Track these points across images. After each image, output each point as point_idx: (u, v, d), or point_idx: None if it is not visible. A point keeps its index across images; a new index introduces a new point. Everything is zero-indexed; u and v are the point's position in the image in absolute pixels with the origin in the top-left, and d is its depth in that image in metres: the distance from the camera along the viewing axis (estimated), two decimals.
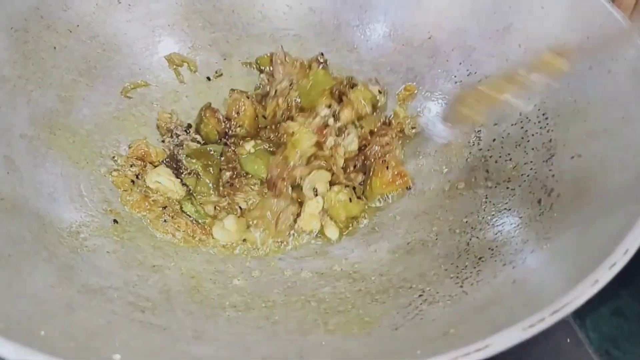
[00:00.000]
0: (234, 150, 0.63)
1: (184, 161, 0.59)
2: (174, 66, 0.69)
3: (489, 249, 0.48)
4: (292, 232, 0.57)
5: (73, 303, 0.41)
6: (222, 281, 0.51)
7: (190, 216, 0.56)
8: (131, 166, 0.59)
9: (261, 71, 0.70)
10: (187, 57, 0.69)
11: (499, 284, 0.42)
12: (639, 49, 0.49)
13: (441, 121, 0.62)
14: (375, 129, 0.64)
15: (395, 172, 0.59)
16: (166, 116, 0.65)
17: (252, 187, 0.60)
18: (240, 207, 0.58)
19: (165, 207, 0.57)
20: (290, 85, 0.64)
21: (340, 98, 0.64)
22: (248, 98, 0.65)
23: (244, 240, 0.56)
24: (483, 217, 0.52)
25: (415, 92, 0.67)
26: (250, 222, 0.57)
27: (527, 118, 0.56)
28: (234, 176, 0.60)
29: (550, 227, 0.45)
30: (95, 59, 0.63)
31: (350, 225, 0.58)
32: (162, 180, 0.57)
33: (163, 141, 0.64)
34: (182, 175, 0.58)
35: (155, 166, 0.60)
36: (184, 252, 0.54)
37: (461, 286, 0.44)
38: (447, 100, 0.65)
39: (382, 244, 0.55)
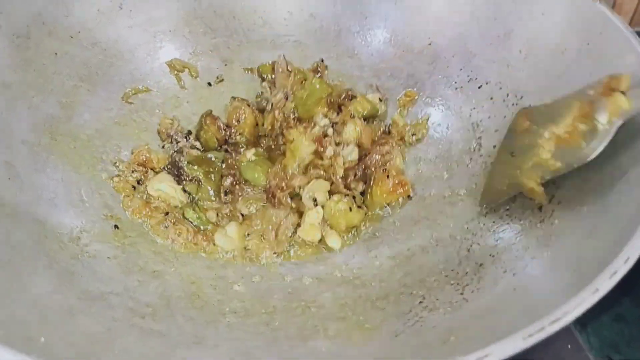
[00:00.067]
0: (235, 157, 0.63)
1: (185, 168, 0.59)
2: (175, 72, 0.69)
3: (490, 255, 0.48)
4: (292, 243, 0.57)
5: (73, 309, 0.41)
6: (222, 287, 0.51)
7: (192, 222, 0.56)
8: (132, 172, 0.59)
9: (263, 79, 0.70)
10: (188, 62, 0.69)
11: (499, 291, 0.42)
12: (638, 55, 0.49)
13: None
14: (376, 138, 0.64)
15: (396, 181, 0.59)
16: (167, 122, 0.65)
17: (253, 193, 0.60)
18: (242, 214, 0.58)
19: (167, 214, 0.57)
20: (286, 97, 0.64)
21: (339, 108, 0.64)
22: (249, 106, 0.65)
23: (246, 249, 0.56)
24: (484, 224, 0.52)
25: (416, 98, 0.67)
26: (250, 232, 0.57)
27: None
28: (235, 183, 0.60)
29: (550, 234, 0.45)
30: (97, 65, 0.63)
31: (351, 234, 0.58)
32: (164, 187, 0.57)
33: (163, 147, 0.64)
34: (184, 182, 0.59)
35: (157, 172, 0.60)
36: (184, 257, 0.54)
37: (462, 293, 0.44)
38: (448, 108, 0.65)
39: (383, 249, 0.55)
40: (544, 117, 0.47)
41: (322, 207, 0.57)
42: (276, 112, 0.64)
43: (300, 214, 0.57)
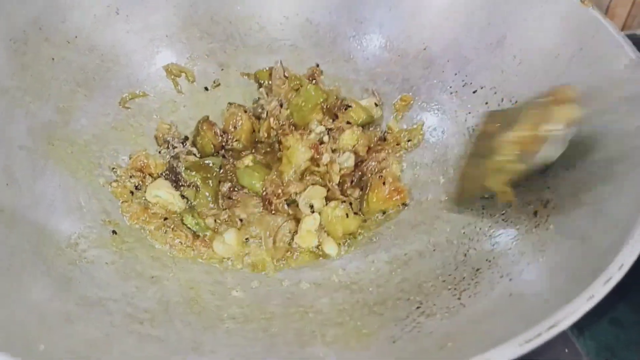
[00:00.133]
0: (233, 163, 0.63)
1: (183, 174, 0.59)
2: (172, 76, 0.69)
3: (487, 260, 0.48)
4: (290, 250, 0.57)
5: (72, 315, 0.41)
6: (220, 292, 0.51)
7: (190, 228, 0.56)
8: (130, 177, 0.59)
9: (260, 85, 0.70)
10: (185, 67, 0.70)
11: (496, 296, 0.42)
12: (632, 60, 0.50)
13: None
14: (372, 145, 0.65)
15: (392, 188, 0.60)
16: (165, 127, 0.65)
17: (251, 198, 0.60)
18: (240, 220, 0.58)
19: (166, 219, 0.57)
20: (281, 105, 0.65)
21: (335, 115, 0.64)
22: (245, 112, 0.65)
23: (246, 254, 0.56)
24: (480, 228, 0.53)
25: (412, 102, 0.68)
26: (249, 238, 0.57)
27: None
28: (232, 188, 0.60)
29: (546, 239, 0.45)
30: (94, 70, 0.63)
31: (348, 241, 0.58)
32: (162, 194, 0.57)
33: (159, 152, 0.64)
34: (182, 188, 0.59)
35: (155, 178, 0.60)
36: (182, 262, 0.54)
37: (459, 298, 0.44)
38: (443, 112, 0.65)
39: (380, 254, 0.55)
40: (507, 122, 0.50)
41: (319, 213, 0.57)
42: (271, 119, 0.64)
43: (298, 221, 0.58)
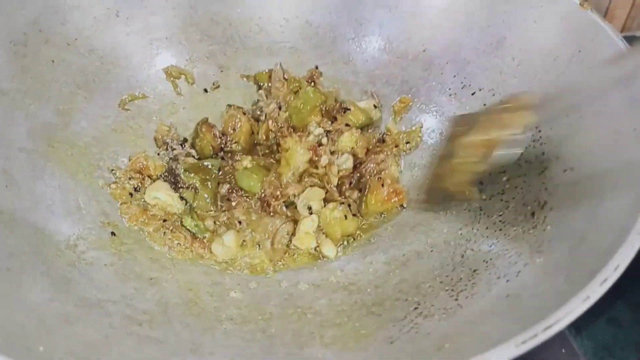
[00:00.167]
0: (232, 165, 0.63)
1: (182, 175, 0.59)
2: (172, 78, 0.69)
3: (484, 261, 0.48)
4: (288, 251, 0.57)
5: (71, 317, 0.41)
6: (219, 293, 0.51)
7: (190, 230, 0.56)
8: (130, 179, 0.60)
9: (260, 87, 0.70)
10: (184, 69, 0.70)
11: (493, 297, 0.42)
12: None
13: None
14: (371, 147, 0.65)
15: (391, 190, 0.60)
16: (164, 129, 0.65)
17: (249, 200, 0.60)
18: (239, 222, 0.58)
19: (165, 221, 0.57)
20: (279, 107, 0.65)
21: (333, 117, 0.64)
22: (244, 114, 0.66)
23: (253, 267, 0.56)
24: (478, 229, 0.53)
25: (411, 104, 0.68)
26: (247, 240, 0.57)
27: None
28: (231, 190, 0.61)
29: (543, 240, 0.45)
30: (94, 72, 0.64)
31: (346, 243, 0.58)
32: (161, 195, 0.58)
33: (158, 154, 0.64)
34: (180, 190, 0.59)
35: (154, 180, 0.60)
36: (181, 264, 0.54)
37: (456, 299, 0.45)
38: (442, 114, 0.66)
39: (378, 255, 0.55)
40: (472, 125, 0.52)
41: (318, 215, 0.58)
42: (270, 122, 0.64)
43: (296, 223, 0.58)
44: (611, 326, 0.57)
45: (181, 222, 0.57)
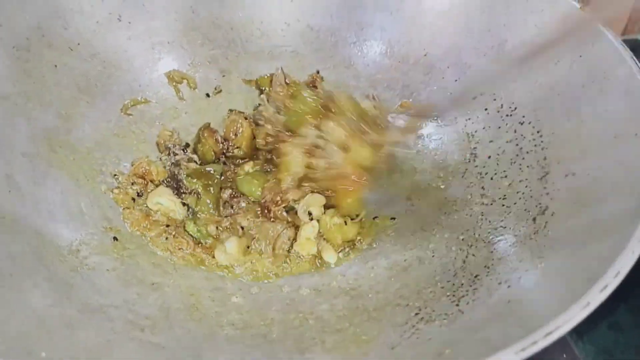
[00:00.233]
0: (234, 170, 0.63)
1: (184, 181, 0.59)
2: (174, 83, 0.69)
3: (485, 267, 0.48)
4: (289, 257, 0.57)
5: (73, 322, 0.42)
6: (220, 298, 0.51)
7: (192, 236, 0.57)
8: (132, 184, 0.60)
9: (261, 91, 0.70)
10: (186, 73, 0.70)
11: (494, 303, 0.42)
12: (631, 68, 0.50)
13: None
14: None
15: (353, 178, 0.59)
16: (167, 134, 0.65)
17: (251, 206, 0.60)
18: (241, 227, 0.58)
19: (168, 226, 0.57)
20: (278, 112, 0.64)
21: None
22: (246, 119, 0.66)
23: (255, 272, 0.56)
24: (479, 235, 0.53)
25: (412, 108, 0.68)
26: (250, 245, 0.57)
27: (522, 135, 0.57)
28: (233, 195, 0.61)
29: (544, 246, 0.45)
30: (96, 77, 0.64)
31: (347, 249, 0.58)
32: (163, 201, 0.58)
33: (160, 159, 0.65)
34: (183, 195, 0.59)
35: (157, 185, 0.60)
36: (183, 269, 0.54)
37: (457, 305, 0.45)
38: (442, 119, 0.66)
39: (380, 260, 0.55)
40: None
41: (318, 221, 0.58)
42: (268, 126, 0.64)
43: (297, 228, 0.58)
44: (613, 331, 0.56)
45: (184, 227, 0.57)
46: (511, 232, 0.50)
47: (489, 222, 0.53)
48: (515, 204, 0.53)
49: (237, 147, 0.65)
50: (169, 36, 0.69)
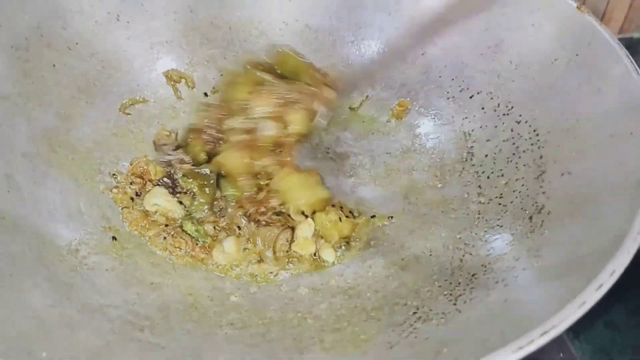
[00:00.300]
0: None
1: (180, 180, 0.59)
2: (172, 82, 0.69)
3: (482, 265, 0.49)
4: (290, 258, 0.57)
5: (73, 323, 0.42)
6: (219, 298, 0.51)
7: (190, 235, 0.57)
8: (131, 184, 0.60)
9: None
10: (184, 73, 0.70)
11: (491, 302, 0.43)
12: (627, 67, 0.50)
13: None
14: None
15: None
16: (164, 133, 0.65)
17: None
18: (238, 227, 0.58)
19: (167, 225, 0.57)
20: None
21: None
22: None
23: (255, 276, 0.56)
24: (476, 233, 0.53)
25: (409, 107, 0.68)
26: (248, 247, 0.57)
27: (518, 134, 0.57)
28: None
29: (541, 244, 0.46)
30: (95, 76, 0.64)
31: (343, 247, 0.58)
32: (160, 202, 0.58)
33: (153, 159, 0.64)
34: (178, 195, 0.59)
35: (154, 185, 0.60)
36: (182, 268, 0.54)
37: (454, 304, 0.45)
38: (440, 117, 0.66)
39: (378, 259, 0.55)
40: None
41: (312, 219, 0.57)
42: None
43: (292, 229, 0.57)
44: (609, 330, 0.57)
45: (181, 227, 0.57)
46: (508, 230, 0.51)
47: (486, 220, 0.54)
48: (511, 202, 0.53)
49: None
50: (167, 36, 0.69)
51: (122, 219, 0.57)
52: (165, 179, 0.60)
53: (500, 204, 0.54)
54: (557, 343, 0.55)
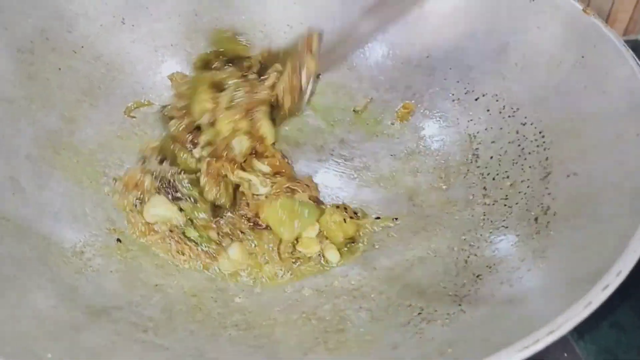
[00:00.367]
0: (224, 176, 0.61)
1: (179, 186, 0.57)
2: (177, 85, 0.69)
3: (487, 266, 0.48)
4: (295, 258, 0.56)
5: (78, 324, 0.42)
6: (223, 299, 0.51)
7: (194, 241, 0.56)
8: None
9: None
10: (189, 76, 0.70)
11: (496, 302, 0.43)
12: (632, 68, 0.50)
13: None
14: None
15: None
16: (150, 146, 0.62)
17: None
18: (242, 232, 0.57)
19: (171, 231, 0.56)
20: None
21: None
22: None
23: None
24: (481, 235, 0.53)
25: (414, 110, 0.68)
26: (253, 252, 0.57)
27: (524, 136, 0.57)
28: None
29: (546, 245, 0.46)
30: (99, 79, 0.64)
31: (347, 248, 0.57)
32: (159, 211, 0.56)
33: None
34: (179, 202, 0.57)
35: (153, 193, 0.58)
36: (186, 270, 0.54)
37: (459, 304, 0.45)
38: (445, 120, 0.66)
39: (382, 260, 0.55)
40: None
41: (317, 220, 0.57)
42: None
43: None
44: (614, 330, 0.57)
45: (184, 233, 0.56)
46: (513, 232, 0.51)
47: (491, 222, 0.53)
48: (517, 204, 0.53)
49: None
50: (172, 39, 0.69)
51: (127, 222, 0.57)
52: (163, 186, 0.57)
53: (505, 205, 0.54)
54: (561, 343, 0.54)
